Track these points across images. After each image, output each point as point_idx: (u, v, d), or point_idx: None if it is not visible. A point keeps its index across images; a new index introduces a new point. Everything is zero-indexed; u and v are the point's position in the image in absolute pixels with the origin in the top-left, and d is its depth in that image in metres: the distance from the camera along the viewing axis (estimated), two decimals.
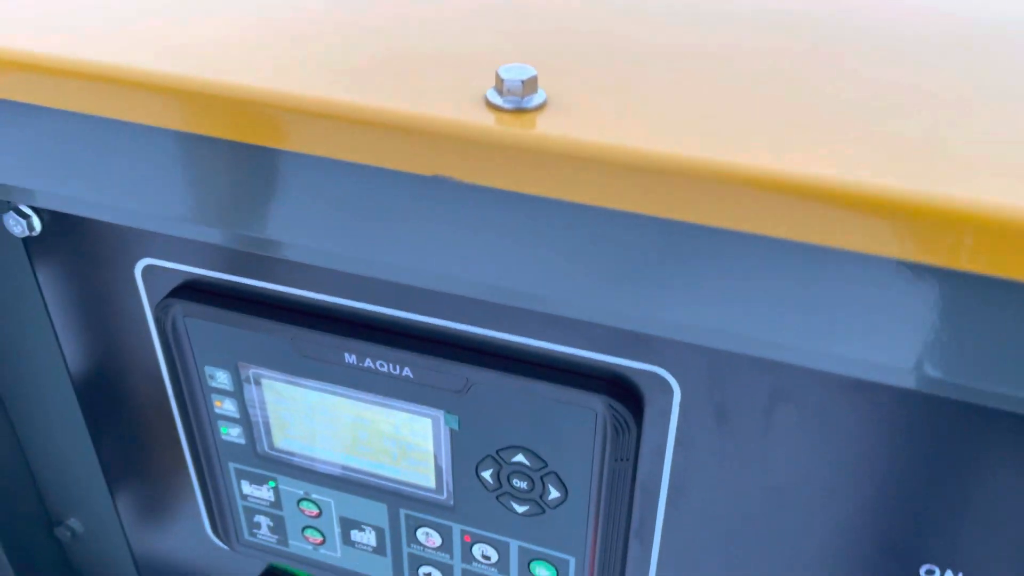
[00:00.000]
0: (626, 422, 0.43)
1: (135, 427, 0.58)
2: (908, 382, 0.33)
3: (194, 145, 0.37)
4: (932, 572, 0.43)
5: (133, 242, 0.48)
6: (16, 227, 0.49)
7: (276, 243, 0.39)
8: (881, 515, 0.42)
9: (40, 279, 0.52)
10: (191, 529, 0.61)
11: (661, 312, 0.35)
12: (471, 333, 0.44)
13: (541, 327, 0.43)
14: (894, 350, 0.32)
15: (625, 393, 0.43)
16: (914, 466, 0.40)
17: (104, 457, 0.60)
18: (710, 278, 0.33)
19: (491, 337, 0.44)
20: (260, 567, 0.63)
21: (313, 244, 0.38)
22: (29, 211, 0.48)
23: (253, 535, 0.58)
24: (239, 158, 0.37)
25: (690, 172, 0.31)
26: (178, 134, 0.37)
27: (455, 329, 0.44)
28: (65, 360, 0.55)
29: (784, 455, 0.42)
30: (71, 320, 0.53)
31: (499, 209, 0.34)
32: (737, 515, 0.45)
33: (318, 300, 0.46)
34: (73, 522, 0.70)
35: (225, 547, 0.61)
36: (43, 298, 0.53)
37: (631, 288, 0.34)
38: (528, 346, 0.43)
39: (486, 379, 0.44)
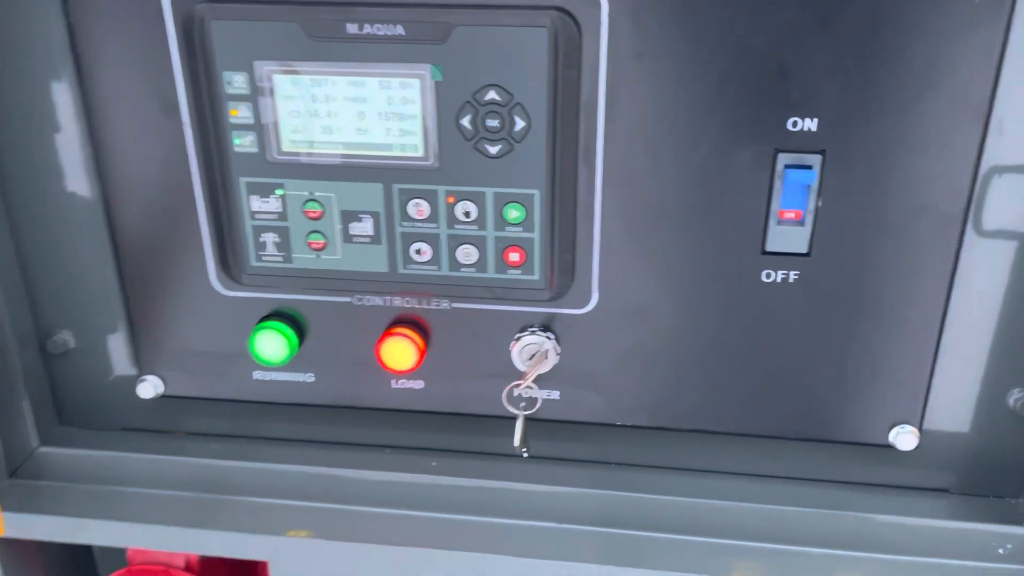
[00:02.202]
0: (570, 29, 0.58)
1: (147, 189, 0.67)
2: None
3: None
4: (796, 124, 0.60)
5: None
6: None
7: None
8: (760, 80, 0.59)
9: (73, 23, 0.62)
10: (196, 284, 0.70)
11: None
12: None
13: None
14: None
15: (567, 12, 0.58)
16: (781, 29, 0.57)
17: (115, 219, 0.69)
18: None
19: None
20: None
21: None
22: None
23: (260, 259, 0.68)
24: None
25: None
26: None
27: None
28: (89, 117, 0.65)
29: (683, 42, 0.58)
30: (97, 62, 0.63)
31: None
32: (660, 123, 0.61)
33: None
34: (65, 334, 0.76)
35: (230, 295, 0.70)
36: (72, 45, 0.63)
37: None
38: None
39: (462, 19, 0.59)
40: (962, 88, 0.58)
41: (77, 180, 0.70)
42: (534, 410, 0.70)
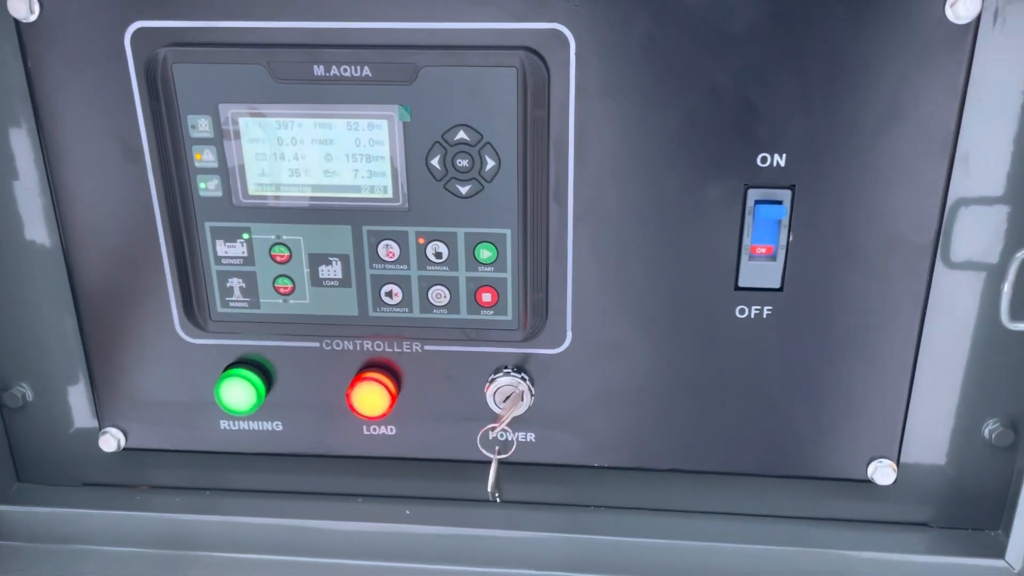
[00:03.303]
0: (539, 68, 0.58)
1: (110, 235, 0.65)
2: None
3: None
4: (765, 159, 0.60)
5: (124, 7, 0.59)
6: (20, 9, 0.58)
7: None
8: (729, 116, 0.59)
9: (31, 68, 0.61)
10: (159, 331, 0.68)
11: None
12: (413, 28, 0.58)
13: (467, 9, 0.57)
14: None
15: (535, 52, 0.58)
16: (749, 66, 0.57)
17: (75, 267, 0.67)
18: None
19: (430, 28, 0.58)
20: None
21: None
22: None
23: (226, 304, 0.66)
24: None
25: None
26: None
27: (400, 28, 0.58)
28: (47, 164, 0.63)
29: (651, 79, 0.58)
30: (57, 107, 0.62)
31: None
32: (630, 160, 0.61)
33: (287, 26, 0.59)
34: (22, 387, 0.74)
35: (196, 343, 0.68)
36: (31, 90, 0.61)
37: None
38: (460, 28, 0.58)
39: (429, 60, 0.58)
40: (927, 122, 0.58)
41: (35, 228, 0.69)
42: (509, 454, 0.69)
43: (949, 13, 0.55)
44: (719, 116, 0.59)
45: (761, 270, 0.63)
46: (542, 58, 0.59)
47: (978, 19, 0.55)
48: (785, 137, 0.59)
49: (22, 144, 0.66)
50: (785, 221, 0.61)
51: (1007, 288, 0.58)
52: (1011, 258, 0.59)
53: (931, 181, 0.60)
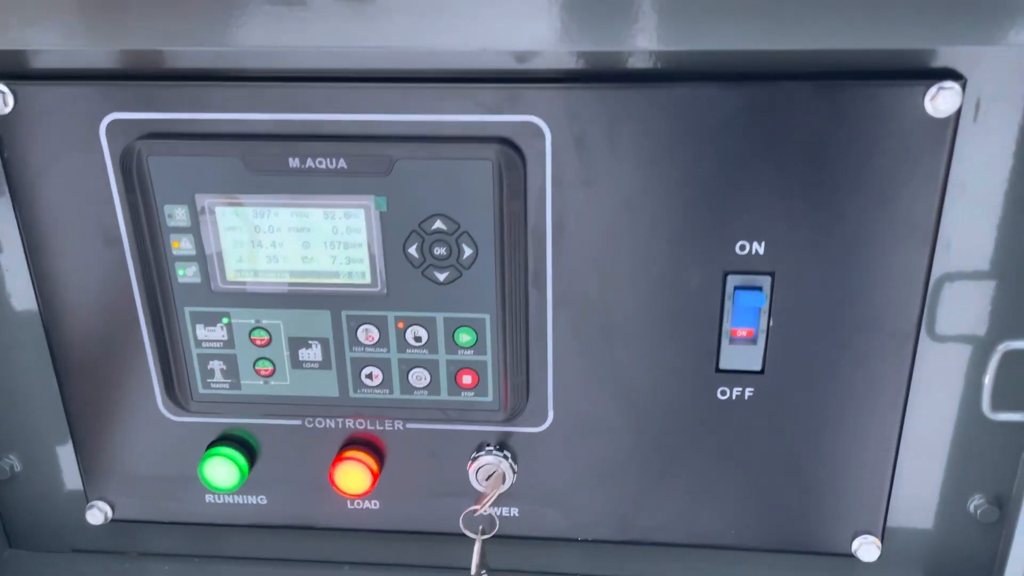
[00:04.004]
0: (514, 162, 0.57)
1: (91, 319, 0.66)
2: None
3: None
4: (744, 247, 0.60)
5: (99, 100, 0.58)
6: None
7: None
8: (706, 206, 0.58)
9: (7, 159, 0.61)
10: (143, 410, 0.68)
11: None
12: (389, 120, 0.58)
13: (442, 102, 0.57)
14: None
15: (510, 143, 0.58)
16: (726, 157, 0.57)
17: (58, 346, 0.67)
18: None
19: (406, 120, 0.58)
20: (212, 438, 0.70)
21: None
22: (4, 87, 0.58)
23: (207, 386, 0.66)
24: None
25: None
26: None
27: (375, 120, 0.58)
28: (27, 250, 0.63)
29: (628, 169, 0.58)
30: (34, 196, 0.61)
31: None
32: (609, 247, 0.60)
33: (262, 119, 0.58)
34: (11, 458, 0.74)
35: (178, 420, 0.68)
36: (8, 179, 0.61)
37: None
38: (435, 120, 0.57)
39: (405, 153, 0.58)
40: (908, 212, 0.58)
41: (21, 303, 0.69)
42: (492, 533, 0.69)
43: (929, 107, 0.54)
44: (696, 205, 0.59)
45: (742, 353, 0.63)
46: (518, 150, 0.58)
47: (958, 112, 0.55)
48: (763, 226, 0.59)
49: (3, 228, 0.66)
50: (765, 307, 0.61)
51: (988, 380, 0.57)
52: (993, 348, 0.58)
53: (913, 267, 0.59)
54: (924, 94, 0.54)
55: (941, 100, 0.54)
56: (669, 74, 0.57)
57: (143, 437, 0.70)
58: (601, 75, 0.57)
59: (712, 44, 0.53)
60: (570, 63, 0.57)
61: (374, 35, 0.54)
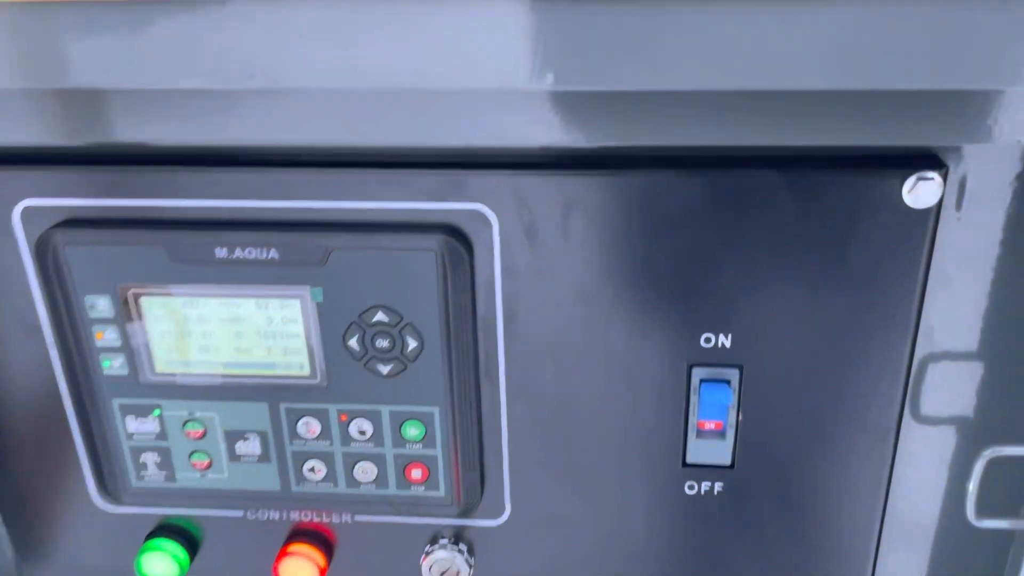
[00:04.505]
0: (460, 253, 0.53)
1: (15, 407, 0.61)
2: None
3: None
4: (709, 339, 0.55)
5: (11, 185, 0.54)
6: None
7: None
8: (668, 297, 0.54)
9: None
10: (76, 500, 0.64)
11: None
12: (322, 207, 0.53)
13: (380, 189, 0.53)
14: None
15: (455, 232, 0.53)
16: (689, 247, 0.52)
17: None
18: None
19: (341, 207, 0.53)
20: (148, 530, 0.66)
21: None
22: None
23: (141, 478, 0.62)
24: None
25: None
26: None
27: (308, 207, 0.53)
28: None
29: (583, 259, 0.53)
30: None
31: None
32: (565, 337, 0.56)
33: (185, 205, 0.54)
34: None
35: (113, 511, 0.64)
36: None
37: None
38: (372, 208, 0.53)
39: (341, 243, 0.53)
40: (886, 303, 0.53)
41: None
42: None
43: (908, 198, 0.50)
44: (658, 296, 0.54)
45: (710, 447, 0.58)
46: (464, 239, 0.54)
47: (939, 203, 0.50)
48: (730, 318, 0.54)
49: None
50: (733, 402, 0.57)
51: (972, 487, 0.53)
52: (978, 448, 0.54)
53: (892, 360, 0.55)
54: (902, 185, 0.50)
55: (921, 191, 0.49)
56: (626, 159, 0.52)
57: (78, 528, 0.66)
58: (552, 161, 0.52)
59: (673, 140, 0.49)
60: (518, 146, 0.53)
61: (304, 130, 0.50)
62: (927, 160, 0.50)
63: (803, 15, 0.43)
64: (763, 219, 0.51)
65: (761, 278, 0.53)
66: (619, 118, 0.49)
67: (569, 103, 0.48)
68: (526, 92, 0.48)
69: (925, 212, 0.50)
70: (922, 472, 0.59)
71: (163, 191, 0.54)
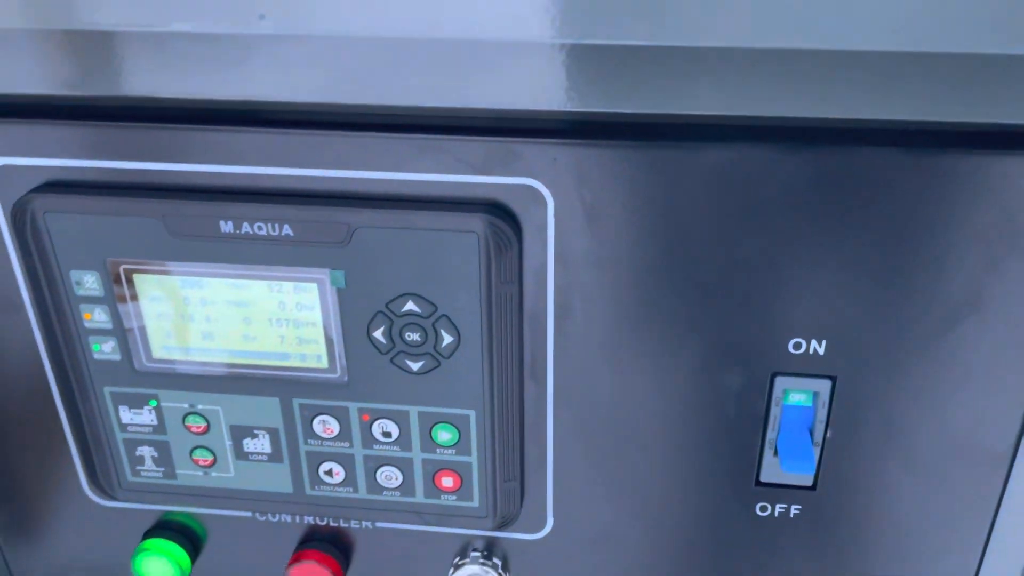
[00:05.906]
0: (507, 237, 0.45)
1: (4, 392, 0.54)
2: None
3: None
4: (800, 345, 0.47)
5: None
6: None
7: None
8: (753, 294, 0.46)
9: None
10: (66, 493, 0.58)
11: None
12: (346, 177, 0.45)
13: (414, 158, 0.44)
14: None
15: (502, 211, 0.45)
16: (783, 236, 0.44)
17: None
18: None
19: (367, 178, 0.45)
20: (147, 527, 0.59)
21: None
22: None
23: (137, 474, 0.55)
24: None
25: None
26: None
27: (329, 176, 0.45)
28: None
29: (651, 246, 0.45)
30: None
31: None
32: (625, 336, 0.48)
33: (186, 170, 0.46)
34: None
35: (108, 506, 0.58)
36: None
37: None
38: (404, 180, 0.45)
39: (367, 220, 0.45)
40: (1011, 312, 0.44)
41: None
42: None
43: None
44: (740, 292, 0.46)
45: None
46: (512, 220, 0.45)
47: None
48: (826, 320, 0.46)
49: None
50: (823, 417, 0.49)
51: None
52: None
53: (1012, 380, 0.46)
54: None
55: None
56: (707, 130, 0.43)
57: (70, 523, 0.59)
58: (619, 129, 0.43)
59: (770, 111, 0.40)
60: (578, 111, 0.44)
61: (323, 85, 0.41)
62: None
63: None
64: (872, 206, 0.43)
65: (866, 276, 0.44)
66: (706, 82, 0.40)
67: (636, 61, 0.40)
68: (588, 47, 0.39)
69: None
70: None
71: (160, 153, 0.46)
